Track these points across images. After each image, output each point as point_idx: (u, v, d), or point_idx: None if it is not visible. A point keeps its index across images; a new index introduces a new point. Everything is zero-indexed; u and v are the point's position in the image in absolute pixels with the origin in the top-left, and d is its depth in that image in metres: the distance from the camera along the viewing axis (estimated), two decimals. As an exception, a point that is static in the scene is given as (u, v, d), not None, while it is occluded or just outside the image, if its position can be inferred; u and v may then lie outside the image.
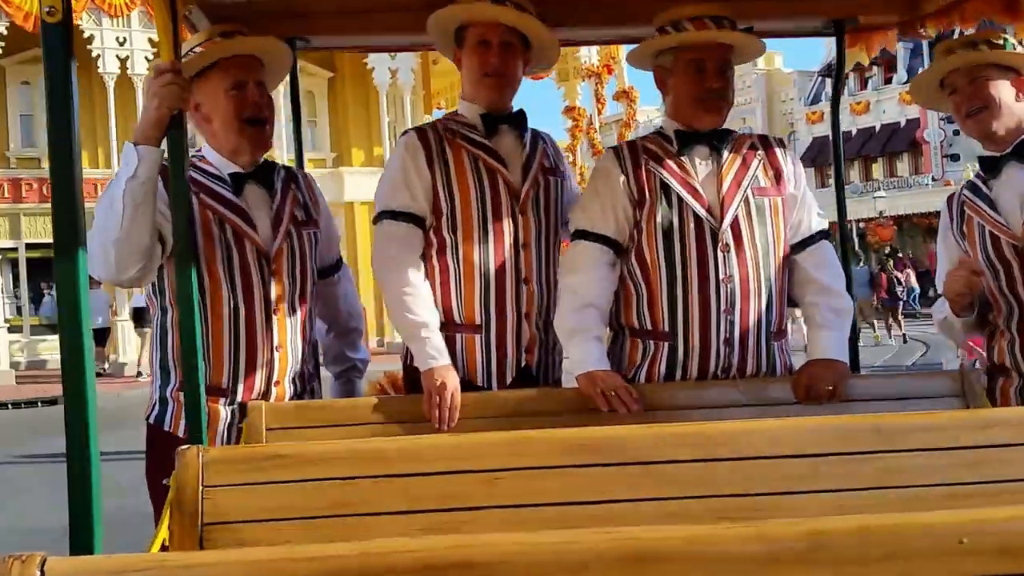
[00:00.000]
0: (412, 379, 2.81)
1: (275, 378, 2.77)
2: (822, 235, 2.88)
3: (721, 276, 2.66)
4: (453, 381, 2.67)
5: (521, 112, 2.94)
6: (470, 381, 2.77)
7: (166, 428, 2.75)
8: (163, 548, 2.06)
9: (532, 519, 2.06)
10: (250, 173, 2.80)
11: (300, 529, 2.10)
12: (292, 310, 2.80)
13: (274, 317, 2.75)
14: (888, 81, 40.10)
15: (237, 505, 2.10)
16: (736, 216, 2.70)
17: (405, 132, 2.95)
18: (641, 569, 1.47)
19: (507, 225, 2.81)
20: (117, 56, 18.67)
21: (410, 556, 1.48)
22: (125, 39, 18.70)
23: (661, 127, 2.87)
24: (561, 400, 2.71)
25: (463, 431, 2.56)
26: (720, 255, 2.67)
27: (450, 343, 2.77)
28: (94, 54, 18.44)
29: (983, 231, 2.87)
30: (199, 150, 2.87)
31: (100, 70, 18.62)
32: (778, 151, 2.85)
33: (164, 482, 2.21)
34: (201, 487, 2.10)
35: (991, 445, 2.15)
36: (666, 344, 2.71)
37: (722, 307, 2.66)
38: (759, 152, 2.80)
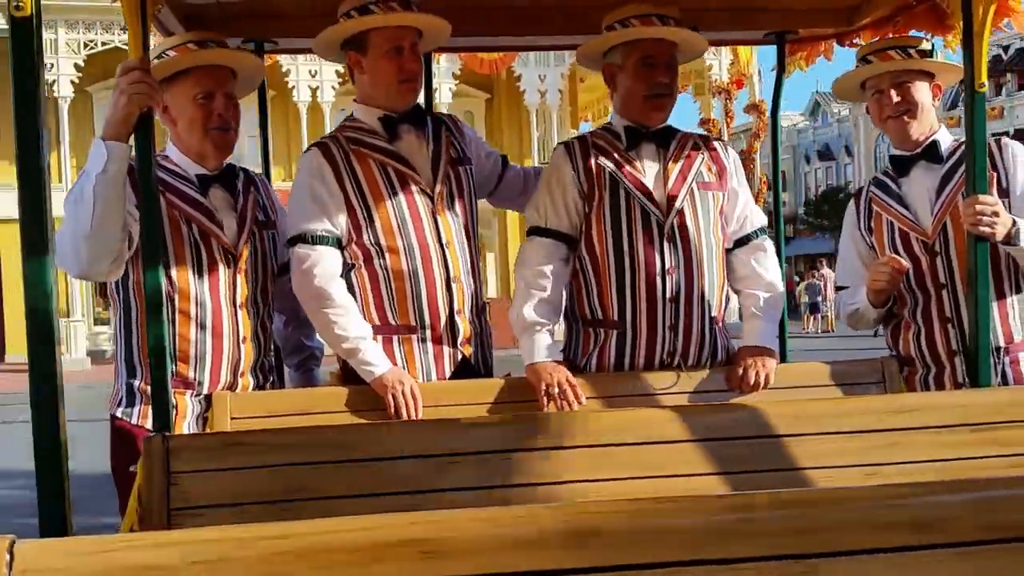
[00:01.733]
0: (352, 379, 2.83)
1: (241, 369, 2.84)
2: (763, 231, 3.03)
3: (667, 266, 2.77)
4: (407, 377, 2.73)
5: (418, 107, 2.92)
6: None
7: (134, 421, 2.79)
8: (132, 531, 2.13)
9: (485, 501, 2.17)
10: (215, 176, 2.86)
11: (264, 512, 2.18)
12: (255, 305, 2.88)
13: (239, 312, 2.83)
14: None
15: (203, 490, 2.18)
16: (681, 209, 2.81)
17: (307, 150, 2.88)
18: (589, 541, 1.58)
19: (427, 227, 2.82)
20: (309, 86, 21.63)
21: (365, 534, 1.57)
22: (316, 71, 21.54)
23: (610, 123, 2.97)
24: (513, 388, 2.80)
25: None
26: (666, 246, 2.78)
27: (388, 345, 2.81)
28: (290, 85, 21.34)
29: (892, 228, 3.00)
30: (163, 150, 2.91)
31: (294, 99, 21.62)
32: (719, 149, 2.97)
33: (131, 468, 2.28)
34: (168, 473, 2.17)
35: (906, 428, 2.31)
36: (615, 332, 2.82)
37: (668, 295, 2.77)
38: (703, 149, 2.92)
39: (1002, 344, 2.93)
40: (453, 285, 2.85)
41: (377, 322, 2.82)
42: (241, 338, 2.82)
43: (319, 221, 2.77)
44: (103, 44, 20.58)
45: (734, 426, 2.31)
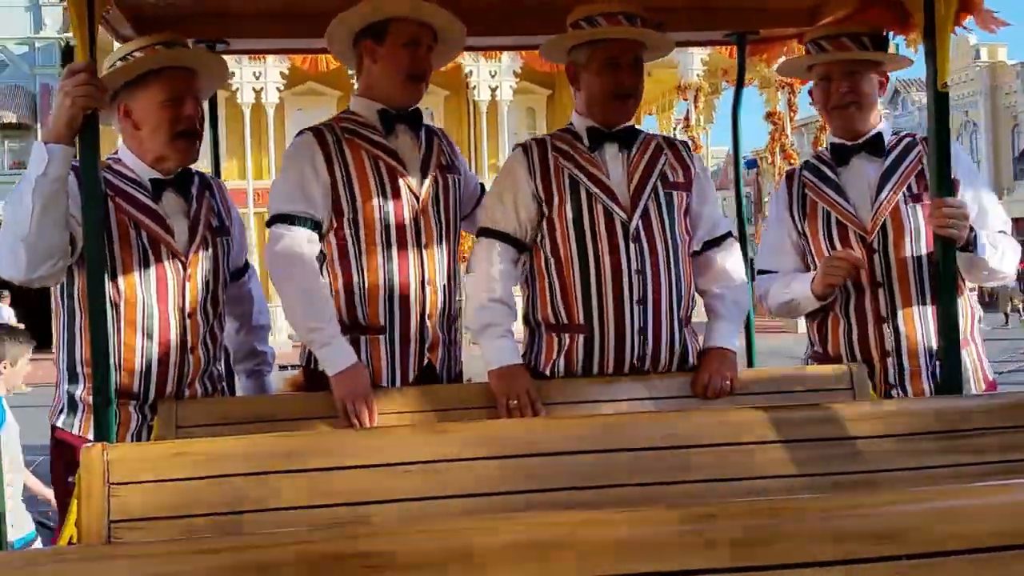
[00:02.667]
0: (313, 381, 2.80)
1: (187, 379, 2.76)
2: (730, 234, 2.98)
3: (633, 268, 2.71)
4: (365, 381, 2.67)
5: (417, 110, 2.89)
6: (374, 382, 2.76)
7: (75, 432, 2.71)
8: (70, 544, 2.06)
9: (438, 511, 2.11)
10: (169, 180, 2.78)
11: (208, 525, 2.10)
12: (205, 313, 2.80)
13: (188, 321, 2.75)
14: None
15: (144, 502, 2.10)
16: (646, 209, 2.76)
17: (300, 133, 2.86)
18: (543, 553, 1.53)
19: (409, 227, 2.78)
20: (253, 88, 22.50)
21: (310, 547, 1.51)
22: (260, 73, 22.44)
23: (571, 124, 2.91)
24: (471, 395, 2.75)
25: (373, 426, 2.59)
26: (632, 247, 2.72)
27: (354, 344, 2.75)
28: (233, 88, 21.99)
29: (828, 217, 2.96)
30: (115, 153, 2.84)
31: (238, 100, 22.45)
32: (683, 150, 2.93)
33: (70, 479, 2.20)
34: (107, 484, 2.09)
35: (872, 436, 2.28)
36: (581, 336, 2.76)
37: (635, 297, 2.71)
38: (666, 150, 2.88)
39: (934, 346, 2.90)
40: (427, 288, 2.81)
41: (346, 320, 2.77)
42: (189, 347, 2.75)
43: (301, 203, 2.74)
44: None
45: (698, 433, 2.26)
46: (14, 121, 27.63)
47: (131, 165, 2.76)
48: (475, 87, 23.80)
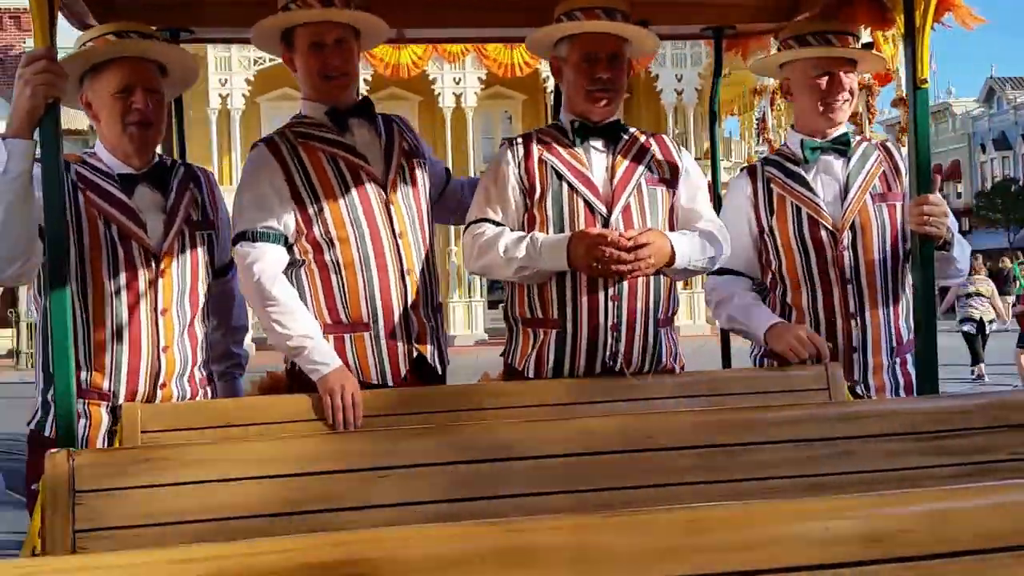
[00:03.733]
0: (296, 381, 2.75)
1: (161, 380, 2.69)
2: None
3: None
4: (350, 381, 2.63)
5: (367, 100, 2.88)
6: (364, 380, 2.72)
7: (46, 433, 2.63)
8: (34, 555, 1.98)
9: (415, 517, 2.07)
10: (142, 174, 2.72)
11: (178, 533, 2.04)
12: (181, 311, 2.73)
13: (161, 318, 2.68)
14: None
15: (111, 510, 2.04)
16: (628, 204, 2.74)
17: (254, 146, 2.82)
18: (526, 559, 1.50)
19: (380, 217, 2.75)
20: (454, 93, 23.31)
21: (287, 555, 1.46)
22: (460, 79, 23.22)
23: (559, 119, 2.91)
24: (445, 396, 2.71)
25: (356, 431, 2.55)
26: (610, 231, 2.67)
27: (339, 344, 2.72)
28: (436, 92, 23.10)
29: (799, 213, 2.96)
30: (92, 148, 2.78)
31: (440, 104, 23.39)
32: (671, 146, 2.91)
33: (33, 487, 2.13)
34: (72, 492, 2.03)
35: (851, 437, 2.26)
36: (554, 331, 2.73)
37: (610, 294, 2.69)
38: (653, 146, 2.86)
39: (894, 344, 2.95)
40: (407, 277, 2.77)
41: (328, 320, 2.73)
42: (162, 347, 2.68)
43: (263, 218, 2.71)
44: (270, 60, 21.82)
45: (677, 435, 2.24)
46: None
47: (105, 159, 2.71)
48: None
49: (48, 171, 2.28)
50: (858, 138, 3.08)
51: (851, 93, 2.97)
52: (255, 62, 22.72)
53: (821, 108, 2.98)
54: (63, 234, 2.31)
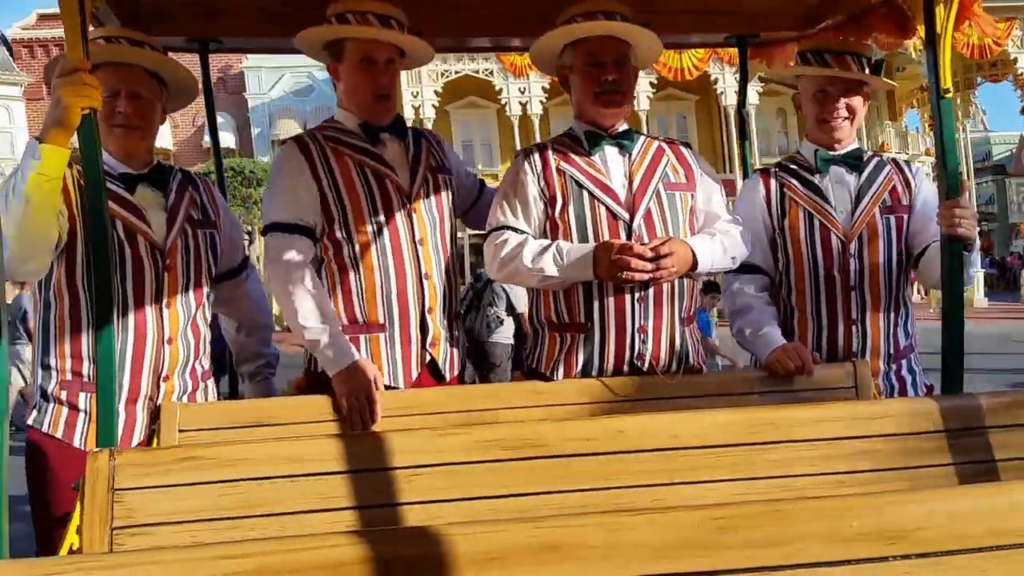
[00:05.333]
0: (314, 384, 2.79)
1: (164, 373, 2.74)
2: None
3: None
4: (365, 377, 2.64)
5: (399, 118, 2.93)
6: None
7: (44, 429, 2.68)
8: (71, 552, 2.04)
9: (448, 514, 2.11)
10: (142, 174, 2.80)
11: (214, 531, 2.09)
12: (185, 305, 2.79)
13: (166, 311, 2.74)
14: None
15: (148, 508, 2.08)
16: (648, 209, 2.76)
17: (283, 143, 2.90)
18: (557, 556, 1.53)
19: (401, 223, 2.80)
20: (520, 102, 25.89)
21: (325, 552, 1.50)
22: (524, 88, 25.74)
23: (571, 128, 2.92)
24: (482, 395, 2.74)
25: (378, 430, 2.57)
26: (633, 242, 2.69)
27: (355, 344, 2.76)
28: (503, 102, 26.10)
29: (810, 220, 3.03)
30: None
31: (506, 113, 26.17)
32: (685, 151, 2.94)
33: (73, 486, 2.18)
34: (111, 491, 2.08)
35: (877, 435, 2.29)
36: (582, 335, 2.76)
37: (636, 297, 2.72)
38: (667, 151, 2.89)
39: (891, 351, 3.00)
40: (425, 282, 2.82)
41: (345, 320, 2.78)
42: (166, 339, 2.74)
43: (293, 210, 2.77)
44: (455, 72, 26.38)
45: (702, 434, 2.27)
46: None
47: (107, 160, 2.76)
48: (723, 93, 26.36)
49: (89, 179, 2.32)
50: (870, 154, 3.15)
51: (850, 111, 3.03)
52: (442, 74, 26.09)
53: (817, 123, 3.07)
54: (105, 241, 2.34)
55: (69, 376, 2.68)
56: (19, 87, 32.35)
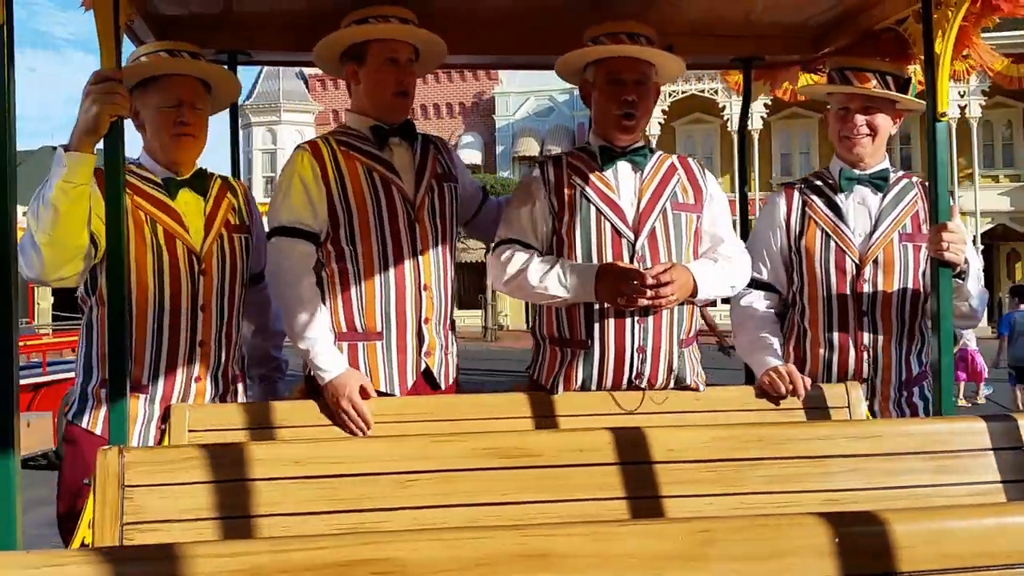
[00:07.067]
0: (313, 390, 2.84)
1: (196, 374, 2.81)
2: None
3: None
4: (351, 385, 2.71)
5: (409, 122, 2.97)
6: (373, 387, 2.81)
7: (84, 425, 2.76)
8: (83, 546, 2.09)
9: (443, 519, 2.16)
10: (184, 180, 2.87)
11: (220, 529, 2.15)
12: (220, 308, 2.86)
13: (200, 314, 2.81)
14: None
15: (158, 505, 2.14)
16: (653, 229, 2.81)
17: (297, 147, 2.94)
18: (545, 564, 1.58)
19: (404, 233, 2.85)
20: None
21: (318, 553, 1.55)
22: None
23: (588, 142, 2.97)
24: (476, 404, 2.79)
25: (378, 435, 2.65)
26: (636, 266, 2.74)
27: (352, 351, 2.82)
28: (725, 118, 30.07)
29: (827, 240, 3.03)
30: (138, 156, 2.92)
31: (728, 128, 29.60)
32: (696, 170, 2.97)
33: (84, 481, 2.24)
34: (122, 487, 2.13)
35: (866, 455, 2.33)
36: (582, 352, 2.81)
37: (636, 316, 2.77)
38: (679, 170, 2.93)
39: (903, 379, 2.99)
40: (423, 293, 2.86)
41: (344, 328, 2.83)
42: (199, 341, 2.81)
43: (300, 215, 2.82)
44: (682, 92, 30.21)
45: (694, 448, 2.31)
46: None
47: (149, 167, 2.87)
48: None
49: (112, 184, 2.37)
50: (899, 175, 3.10)
51: (872, 128, 3.00)
52: (670, 95, 29.68)
53: (839, 140, 3.07)
54: (122, 246, 2.39)
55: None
56: (312, 115, 37.27)
